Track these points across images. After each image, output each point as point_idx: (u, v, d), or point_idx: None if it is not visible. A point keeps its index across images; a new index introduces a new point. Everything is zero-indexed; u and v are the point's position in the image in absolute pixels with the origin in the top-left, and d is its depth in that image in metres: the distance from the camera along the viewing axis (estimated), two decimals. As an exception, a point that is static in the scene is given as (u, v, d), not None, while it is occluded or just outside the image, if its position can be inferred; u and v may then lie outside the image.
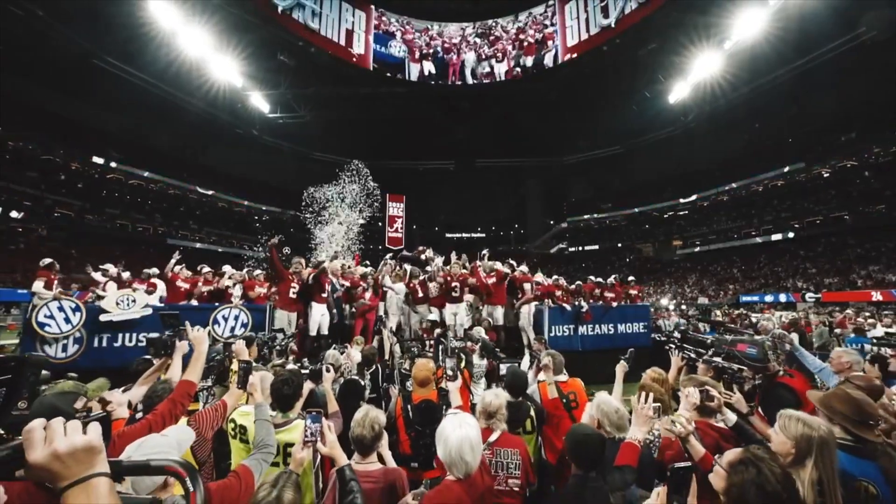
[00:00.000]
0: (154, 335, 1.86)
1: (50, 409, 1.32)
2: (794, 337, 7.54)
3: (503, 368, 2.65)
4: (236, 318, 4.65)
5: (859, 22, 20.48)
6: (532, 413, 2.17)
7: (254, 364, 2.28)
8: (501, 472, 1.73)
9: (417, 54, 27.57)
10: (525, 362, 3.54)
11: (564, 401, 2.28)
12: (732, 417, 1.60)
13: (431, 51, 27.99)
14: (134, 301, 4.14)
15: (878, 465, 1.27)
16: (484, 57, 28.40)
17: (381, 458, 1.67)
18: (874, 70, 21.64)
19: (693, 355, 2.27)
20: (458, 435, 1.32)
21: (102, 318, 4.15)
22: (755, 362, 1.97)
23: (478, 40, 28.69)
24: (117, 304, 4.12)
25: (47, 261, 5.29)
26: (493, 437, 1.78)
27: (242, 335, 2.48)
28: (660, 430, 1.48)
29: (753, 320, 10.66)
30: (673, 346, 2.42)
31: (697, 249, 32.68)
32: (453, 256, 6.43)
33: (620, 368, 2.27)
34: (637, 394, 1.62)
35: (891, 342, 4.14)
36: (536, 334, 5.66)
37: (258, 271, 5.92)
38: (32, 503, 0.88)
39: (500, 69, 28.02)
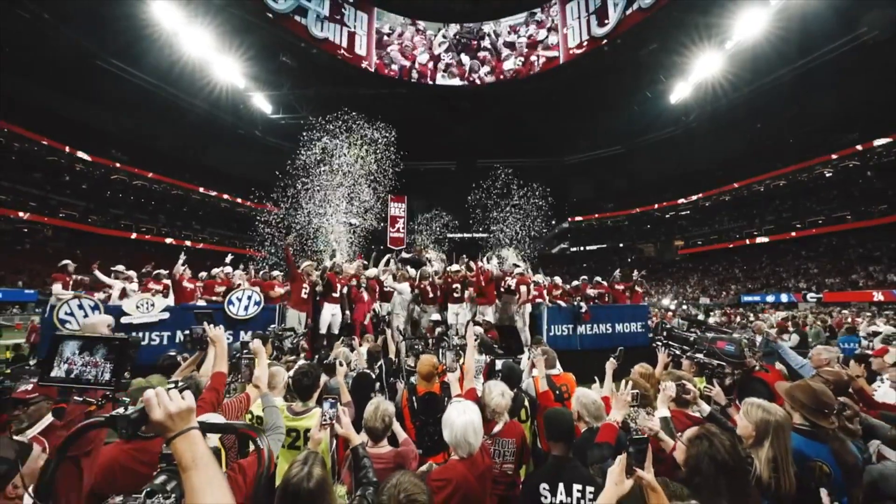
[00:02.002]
0: (186, 331, 2.03)
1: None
2: (795, 338, 7.71)
3: (498, 364, 2.83)
4: (249, 297, 4.87)
5: (860, 22, 20.48)
6: (526, 404, 2.38)
7: (267, 360, 2.45)
8: (498, 458, 1.92)
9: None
10: (525, 360, 3.72)
11: (557, 392, 2.46)
12: (706, 408, 1.77)
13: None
14: (153, 305, 4.33)
15: (829, 447, 1.44)
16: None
17: (394, 436, 1.86)
18: (876, 70, 21.61)
19: (678, 352, 2.44)
20: (463, 420, 1.50)
21: (123, 320, 4.33)
22: (733, 358, 2.13)
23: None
24: (137, 307, 4.30)
25: (64, 262, 5.50)
26: (496, 429, 1.96)
27: (260, 334, 2.66)
28: (635, 425, 1.67)
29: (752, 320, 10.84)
30: (660, 344, 2.60)
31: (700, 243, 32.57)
32: (465, 259, 6.64)
33: (609, 366, 2.45)
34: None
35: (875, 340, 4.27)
36: (536, 335, 5.80)
37: (276, 272, 6.09)
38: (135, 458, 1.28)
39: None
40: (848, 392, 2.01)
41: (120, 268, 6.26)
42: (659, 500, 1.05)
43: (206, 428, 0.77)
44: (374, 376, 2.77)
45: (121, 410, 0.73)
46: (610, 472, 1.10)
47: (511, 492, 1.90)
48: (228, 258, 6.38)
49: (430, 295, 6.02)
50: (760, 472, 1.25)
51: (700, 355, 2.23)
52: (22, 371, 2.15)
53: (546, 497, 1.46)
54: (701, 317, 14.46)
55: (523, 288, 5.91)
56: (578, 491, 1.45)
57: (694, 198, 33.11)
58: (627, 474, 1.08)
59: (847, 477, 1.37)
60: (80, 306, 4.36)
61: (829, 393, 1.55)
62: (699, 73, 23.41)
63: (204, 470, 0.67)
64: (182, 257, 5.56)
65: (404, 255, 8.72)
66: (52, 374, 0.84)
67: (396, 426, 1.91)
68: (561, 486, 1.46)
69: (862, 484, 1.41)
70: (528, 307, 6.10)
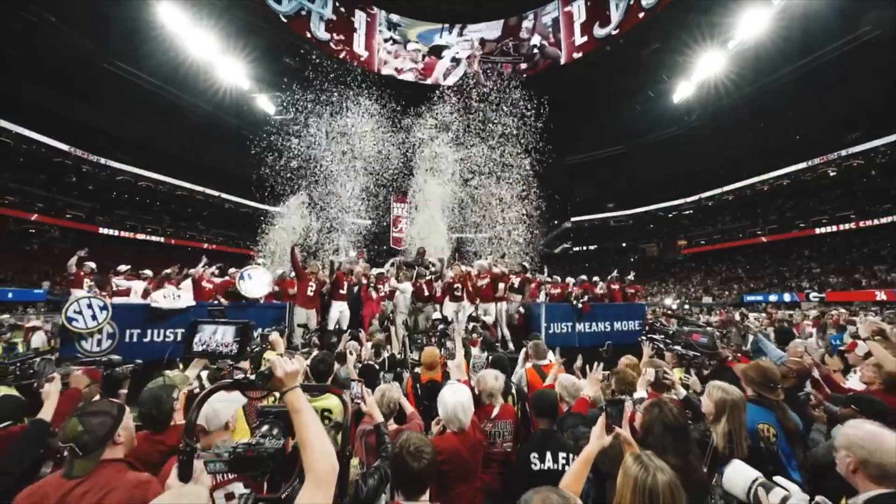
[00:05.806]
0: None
1: (155, 398, 1.76)
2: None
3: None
4: (261, 277, 5.19)
5: (863, 21, 20.45)
6: (513, 391, 2.61)
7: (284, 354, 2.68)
8: (499, 439, 2.13)
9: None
10: (522, 356, 3.94)
11: (545, 379, 2.67)
12: (682, 392, 1.99)
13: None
14: (179, 297, 4.65)
15: (775, 414, 1.70)
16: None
17: (401, 412, 2.10)
18: (879, 69, 21.56)
19: (662, 345, 2.65)
20: (454, 399, 1.74)
21: (152, 304, 4.67)
22: (706, 349, 2.34)
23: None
24: (164, 296, 4.62)
25: (83, 261, 5.76)
26: (494, 413, 2.15)
27: (277, 328, 2.89)
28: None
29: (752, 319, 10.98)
30: (644, 338, 2.82)
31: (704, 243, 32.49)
32: (469, 265, 6.89)
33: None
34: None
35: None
36: (534, 332, 5.98)
37: (293, 273, 6.38)
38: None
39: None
40: (814, 381, 2.21)
41: (122, 268, 6.60)
42: (633, 452, 1.27)
43: (305, 387, 1.03)
44: (377, 367, 3.01)
45: (240, 375, 0.99)
46: (593, 430, 1.33)
47: (509, 468, 2.11)
48: (260, 260, 6.71)
49: (426, 294, 6.29)
50: (717, 442, 1.46)
51: (678, 347, 2.44)
52: (63, 360, 2.38)
53: (536, 464, 1.69)
54: (703, 318, 14.63)
55: (501, 285, 6.16)
56: (563, 458, 1.69)
57: (696, 197, 33.06)
58: (607, 431, 1.29)
59: (789, 439, 1.60)
60: (90, 305, 4.48)
61: (774, 371, 1.85)
62: (702, 72, 23.47)
63: (308, 413, 0.95)
64: (203, 259, 5.86)
65: (404, 258, 9.03)
66: (194, 349, 1.09)
67: (404, 401, 2.14)
68: (548, 454, 1.70)
69: (804, 448, 1.65)
70: (503, 305, 6.31)
